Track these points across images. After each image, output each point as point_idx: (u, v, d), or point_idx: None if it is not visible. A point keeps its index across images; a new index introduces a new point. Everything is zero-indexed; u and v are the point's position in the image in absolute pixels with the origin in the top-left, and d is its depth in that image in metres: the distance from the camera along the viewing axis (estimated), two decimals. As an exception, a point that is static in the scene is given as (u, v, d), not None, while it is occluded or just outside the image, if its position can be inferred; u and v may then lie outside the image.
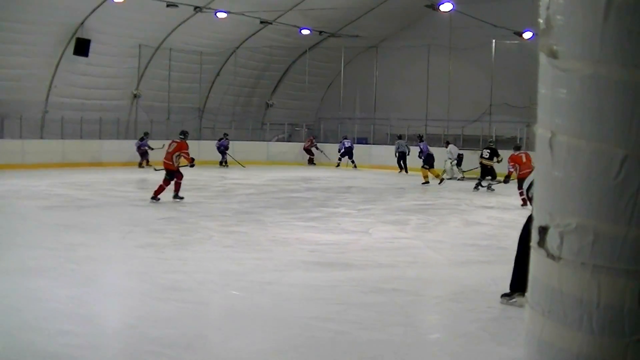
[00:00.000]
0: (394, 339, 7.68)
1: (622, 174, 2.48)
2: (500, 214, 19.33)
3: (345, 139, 39.17)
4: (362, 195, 23.75)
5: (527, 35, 35.22)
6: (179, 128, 37.85)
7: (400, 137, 36.55)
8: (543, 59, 2.84)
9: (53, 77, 32.77)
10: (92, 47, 32.27)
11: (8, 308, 8.57)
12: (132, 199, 20.74)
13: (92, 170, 30.26)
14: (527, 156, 22.72)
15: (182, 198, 19.78)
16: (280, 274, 10.88)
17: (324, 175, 29.72)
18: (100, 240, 13.76)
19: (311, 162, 40.27)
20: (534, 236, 2.82)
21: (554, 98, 2.73)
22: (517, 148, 24.11)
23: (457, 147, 32.66)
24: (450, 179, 30.96)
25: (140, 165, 33.93)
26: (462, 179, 31.19)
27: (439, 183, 28.72)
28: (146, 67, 36.71)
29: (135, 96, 36.98)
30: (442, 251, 13.40)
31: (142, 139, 34.50)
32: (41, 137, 33.11)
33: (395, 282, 10.43)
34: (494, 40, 36.53)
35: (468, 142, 36.67)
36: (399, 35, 42.96)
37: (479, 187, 25.90)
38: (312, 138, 41.49)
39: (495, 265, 12.17)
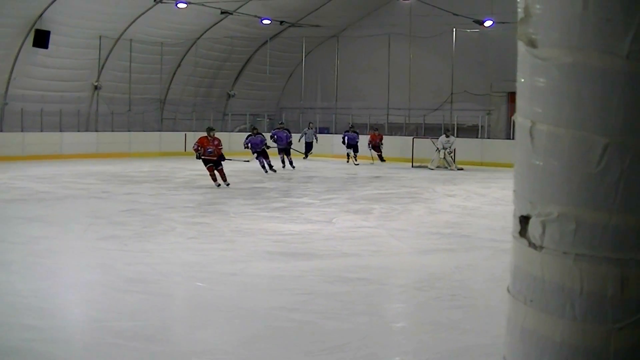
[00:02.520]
0: (359, 328, 7.70)
1: (604, 162, 2.50)
2: (462, 202, 19.40)
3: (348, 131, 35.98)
4: (325, 185, 23.76)
5: (488, 23, 35.36)
6: (140, 119, 37.93)
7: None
8: (521, 47, 2.84)
9: (12, 69, 32.40)
10: (52, 38, 31.94)
11: (-31, 303, 8.49)
12: (94, 191, 20.58)
13: (53, 163, 30.02)
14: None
15: None
16: (245, 264, 10.85)
17: (287, 165, 29.67)
18: (62, 233, 13.65)
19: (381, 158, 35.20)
20: (515, 225, 2.83)
21: (533, 87, 2.73)
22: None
23: (447, 136, 32.20)
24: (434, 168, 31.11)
25: (264, 167, 27.49)
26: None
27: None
28: (107, 59, 36.39)
29: (95, 88, 36.65)
30: (406, 240, 13.44)
31: (249, 136, 28.00)
32: (1, 130, 32.75)
33: (360, 272, 10.45)
34: (454, 29, 36.64)
35: (430, 130, 36.76)
36: (359, 25, 42.97)
37: None
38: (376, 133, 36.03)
39: (459, 253, 12.24)
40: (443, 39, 37.28)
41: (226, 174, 21.43)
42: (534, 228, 2.68)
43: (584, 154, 2.51)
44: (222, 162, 21.87)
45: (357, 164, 33.07)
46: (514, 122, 2.98)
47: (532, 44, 2.72)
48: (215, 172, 21.61)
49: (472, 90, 37.30)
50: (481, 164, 31.82)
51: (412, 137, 33.96)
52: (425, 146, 32.27)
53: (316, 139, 36.43)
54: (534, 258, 2.69)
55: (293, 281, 9.82)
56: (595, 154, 2.48)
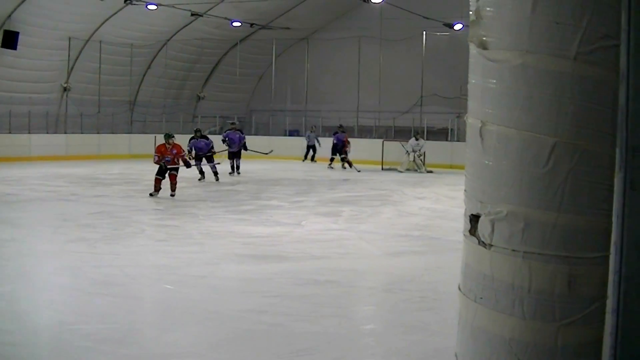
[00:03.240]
0: (328, 331, 7.72)
1: (552, 162, 2.56)
2: (432, 205, 19.48)
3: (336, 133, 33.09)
4: (294, 188, 23.74)
5: (458, 27, 35.47)
6: (109, 121, 37.75)
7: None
8: (473, 49, 2.91)
9: (-20, 70, 32.25)
10: (21, 39, 31.72)
11: (-64, 306, 8.43)
12: (63, 193, 20.49)
13: (21, 165, 29.84)
14: None
15: None
16: (214, 267, 10.85)
17: (257, 167, 29.65)
18: (30, 235, 13.59)
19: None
20: (465, 224, 2.88)
21: (484, 88, 2.80)
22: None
23: (416, 139, 31.91)
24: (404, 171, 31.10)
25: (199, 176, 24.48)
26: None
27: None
28: (76, 60, 36.25)
29: (65, 89, 36.50)
30: (375, 242, 13.47)
31: (191, 139, 24.96)
32: (-32, 132, 32.56)
33: (329, 274, 10.47)
34: (424, 32, 36.81)
35: (400, 133, 36.88)
36: (330, 27, 43.10)
37: None
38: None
39: (428, 255, 12.30)
40: (413, 41, 37.48)
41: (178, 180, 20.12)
42: (483, 227, 2.74)
43: (533, 154, 2.57)
44: (177, 170, 19.71)
45: (359, 171, 30.40)
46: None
47: (483, 45, 2.78)
48: (168, 176, 19.47)
49: (442, 93, 37.42)
50: (451, 167, 31.93)
51: (382, 140, 34.04)
52: (395, 149, 32.36)
53: (318, 142, 35.14)
54: (483, 256, 2.74)
55: (262, 284, 9.82)
56: (543, 154, 2.53)
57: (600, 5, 2.57)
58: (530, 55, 2.55)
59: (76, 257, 11.41)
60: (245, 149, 28.38)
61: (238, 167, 27.74)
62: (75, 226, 14.44)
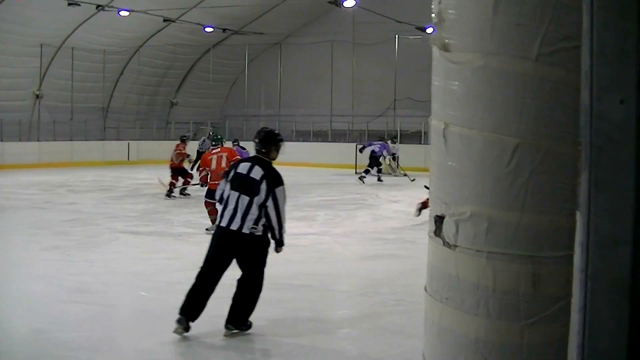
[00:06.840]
0: (304, 334, 7.74)
1: (514, 163, 2.60)
2: (406, 208, 19.50)
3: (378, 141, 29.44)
4: (269, 192, 23.65)
5: (430, 30, 35.51)
6: (82, 128, 37.58)
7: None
8: (436, 52, 2.94)
9: (-50, 78, 32.07)
10: (-8, 46, 31.67)
11: None
12: (36, 201, 20.38)
13: (-6, 173, 29.67)
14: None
15: None
16: (189, 273, 10.75)
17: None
18: (4, 243, 13.53)
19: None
20: (430, 225, 2.92)
21: (447, 90, 2.83)
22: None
23: (393, 142, 31.31)
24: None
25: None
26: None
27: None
28: (48, 67, 36.10)
29: (37, 96, 36.33)
30: (350, 246, 13.51)
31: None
32: (-61, 140, 32.37)
33: (304, 278, 10.50)
34: (397, 36, 36.90)
35: (373, 137, 36.93)
36: (303, 32, 43.18)
37: None
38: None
39: (403, 258, 12.34)
40: (386, 45, 37.56)
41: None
42: (448, 228, 2.77)
43: (496, 155, 2.60)
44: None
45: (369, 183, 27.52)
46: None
47: (445, 48, 2.81)
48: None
49: (416, 97, 37.45)
50: (425, 170, 31.98)
51: (355, 144, 34.09)
52: (368, 153, 32.33)
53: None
54: (448, 257, 2.77)
55: (237, 289, 9.82)
56: (506, 155, 2.57)
57: (560, 7, 2.61)
58: (492, 57, 2.59)
59: (51, 265, 11.37)
60: None
61: None
62: (49, 234, 14.38)
